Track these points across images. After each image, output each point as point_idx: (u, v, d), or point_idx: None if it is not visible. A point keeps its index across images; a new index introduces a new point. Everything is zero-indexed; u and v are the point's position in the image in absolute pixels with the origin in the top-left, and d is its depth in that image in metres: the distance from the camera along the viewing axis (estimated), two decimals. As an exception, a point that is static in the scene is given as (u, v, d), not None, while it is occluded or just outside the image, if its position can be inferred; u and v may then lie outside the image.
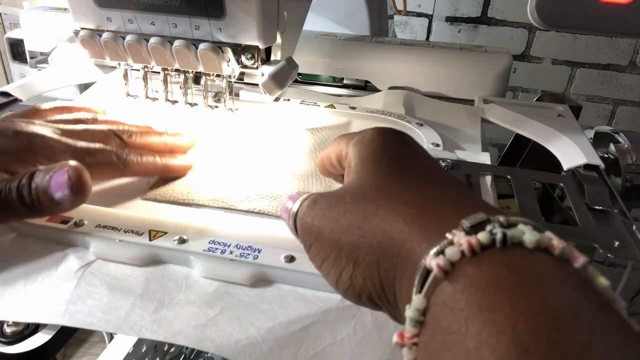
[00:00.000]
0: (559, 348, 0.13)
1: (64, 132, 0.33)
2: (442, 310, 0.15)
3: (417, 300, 0.16)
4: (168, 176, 0.36)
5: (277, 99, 0.50)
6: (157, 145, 0.37)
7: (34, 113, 0.35)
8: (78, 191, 0.27)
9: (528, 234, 0.16)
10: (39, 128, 0.32)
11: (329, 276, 0.21)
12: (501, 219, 0.16)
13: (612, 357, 0.13)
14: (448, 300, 0.15)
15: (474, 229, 0.16)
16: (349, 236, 0.20)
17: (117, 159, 0.33)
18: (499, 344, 0.13)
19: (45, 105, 0.38)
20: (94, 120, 0.36)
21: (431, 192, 0.20)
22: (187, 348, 0.69)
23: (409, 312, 0.16)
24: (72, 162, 0.28)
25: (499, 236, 0.16)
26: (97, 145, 0.33)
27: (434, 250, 0.16)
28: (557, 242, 0.16)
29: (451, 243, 0.16)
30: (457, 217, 0.17)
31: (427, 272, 0.16)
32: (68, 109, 0.38)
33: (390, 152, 0.22)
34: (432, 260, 0.16)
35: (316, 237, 0.21)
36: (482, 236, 0.16)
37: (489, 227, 0.16)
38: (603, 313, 0.14)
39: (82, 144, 0.32)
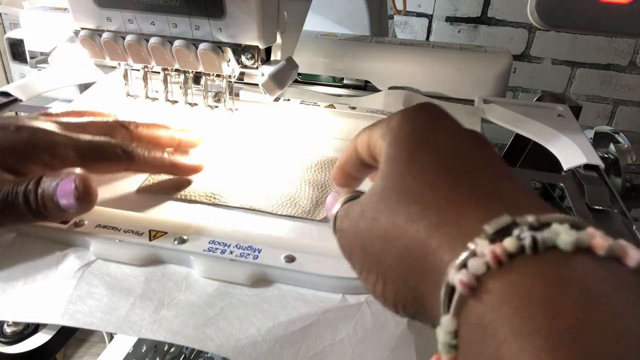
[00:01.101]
0: None
1: (68, 126, 0.32)
2: (472, 333, 0.14)
3: (445, 322, 0.14)
4: (176, 175, 0.36)
5: (277, 99, 0.50)
6: (164, 139, 0.36)
7: (43, 115, 0.35)
8: (84, 201, 0.27)
9: (563, 235, 0.13)
10: (42, 123, 0.31)
11: (367, 288, 0.20)
12: (530, 219, 0.14)
13: None
14: (477, 322, 0.13)
15: (499, 235, 0.14)
16: (374, 250, 0.18)
17: (123, 152, 0.32)
18: None
19: (56, 110, 0.37)
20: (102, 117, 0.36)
21: (457, 189, 0.17)
22: (187, 348, 0.69)
23: (440, 335, 0.15)
24: (79, 170, 0.28)
25: (527, 241, 0.14)
26: (102, 139, 0.32)
27: (456, 263, 0.14)
28: (600, 240, 0.13)
29: (475, 253, 0.14)
30: (484, 220, 0.15)
31: (452, 289, 0.14)
32: (79, 113, 0.38)
33: (416, 142, 0.19)
34: (454, 276, 0.14)
35: (350, 250, 0.20)
36: (509, 243, 0.14)
37: (516, 232, 0.14)
38: None
39: (86, 137, 0.31)
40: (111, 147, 0.32)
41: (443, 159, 0.18)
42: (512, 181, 0.18)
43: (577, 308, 0.12)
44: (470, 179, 0.18)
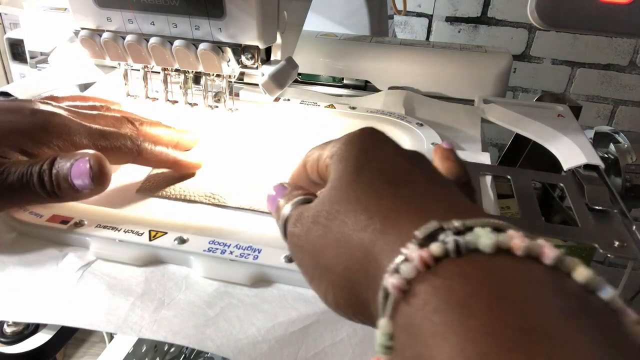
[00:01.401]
0: None
1: (79, 115, 0.33)
2: (402, 334, 0.14)
3: (382, 324, 0.15)
4: (176, 171, 0.37)
5: (277, 99, 0.50)
6: (166, 138, 0.37)
7: (50, 99, 0.35)
8: (99, 181, 0.28)
9: (484, 238, 0.14)
10: (56, 109, 0.32)
11: (318, 295, 0.20)
12: (456, 224, 0.15)
13: None
14: (407, 322, 0.14)
15: (428, 240, 0.15)
16: (324, 259, 0.19)
17: (132, 143, 0.33)
18: None
19: (60, 94, 0.38)
20: (107, 109, 0.37)
21: (398, 198, 0.18)
22: (187, 348, 0.69)
23: (378, 336, 0.15)
24: (93, 151, 0.28)
25: (450, 245, 0.14)
26: (112, 129, 0.33)
27: (390, 268, 0.15)
28: (518, 242, 0.14)
29: (407, 259, 0.15)
30: (419, 226, 0.16)
31: (388, 293, 0.15)
32: (83, 98, 0.39)
33: (362, 159, 0.21)
34: (388, 280, 0.15)
35: (301, 257, 0.21)
36: (435, 247, 0.15)
37: (441, 236, 0.15)
38: (573, 320, 0.12)
39: (97, 126, 0.32)
40: (121, 138, 0.33)
41: (387, 173, 0.20)
42: (449, 190, 0.19)
43: (488, 306, 0.13)
44: (411, 189, 0.19)
